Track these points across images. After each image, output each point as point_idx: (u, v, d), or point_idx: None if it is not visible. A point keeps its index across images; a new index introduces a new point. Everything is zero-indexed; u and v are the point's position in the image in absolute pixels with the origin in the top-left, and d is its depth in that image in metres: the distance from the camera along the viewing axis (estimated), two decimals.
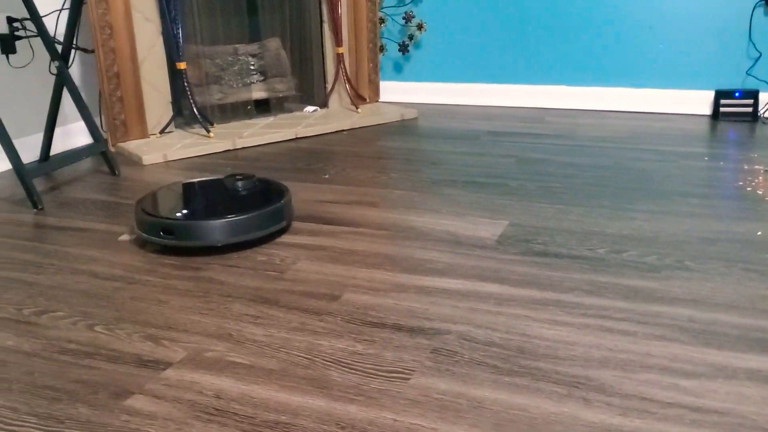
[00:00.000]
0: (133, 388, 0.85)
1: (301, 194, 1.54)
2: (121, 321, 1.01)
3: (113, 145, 1.96)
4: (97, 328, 1.00)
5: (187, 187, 1.43)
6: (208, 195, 1.38)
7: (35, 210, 1.50)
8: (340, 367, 0.88)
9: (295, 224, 1.36)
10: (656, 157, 1.75)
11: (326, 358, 0.90)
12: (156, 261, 1.22)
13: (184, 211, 1.27)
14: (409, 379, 0.84)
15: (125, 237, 1.31)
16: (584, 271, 1.12)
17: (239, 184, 1.38)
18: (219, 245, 1.24)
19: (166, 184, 1.50)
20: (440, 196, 1.49)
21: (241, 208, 1.26)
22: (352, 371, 0.87)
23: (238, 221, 1.24)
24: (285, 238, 1.30)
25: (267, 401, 0.81)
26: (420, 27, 2.50)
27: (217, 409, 0.80)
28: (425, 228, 1.31)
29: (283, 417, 0.78)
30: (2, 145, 1.48)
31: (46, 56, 1.80)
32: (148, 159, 1.85)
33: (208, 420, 0.78)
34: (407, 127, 2.18)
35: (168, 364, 0.90)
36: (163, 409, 0.80)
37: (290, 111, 2.33)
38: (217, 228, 1.23)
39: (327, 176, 1.67)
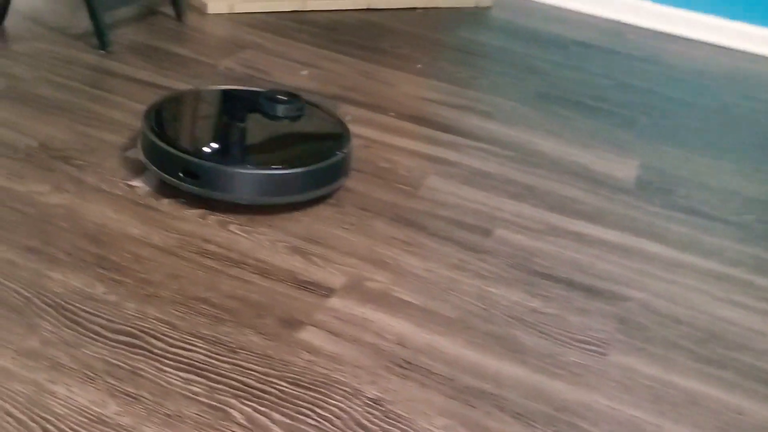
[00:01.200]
0: (302, 316, 0.75)
1: (399, 86, 1.39)
2: (255, 222, 0.89)
3: None
4: (232, 227, 0.87)
5: (213, 100, 1.10)
6: (239, 119, 1.05)
7: (102, 51, 1.30)
8: (524, 326, 0.79)
9: (406, 125, 1.22)
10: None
11: (505, 312, 0.81)
12: None
13: (212, 146, 0.95)
14: (606, 354, 0.77)
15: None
16: (740, 241, 1.04)
17: (282, 108, 1.01)
18: (243, 203, 0.92)
19: (189, 88, 1.16)
20: (556, 117, 1.37)
21: (284, 153, 0.98)
22: (541, 335, 0.78)
23: (278, 177, 0.91)
24: (398, 140, 1.16)
25: (459, 360, 0.73)
26: None
27: (407, 362, 0.71)
28: (554, 156, 1.20)
29: (486, 386, 0.70)
30: None
31: None
32: (213, 7, 1.63)
33: (402, 375, 0.69)
34: (483, 18, 2.00)
35: (330, 290, 0.79)
36: (346, 352, 0.71)
37: None
38: (247, 181, 0.91)
39: (420, 66, 1.51)
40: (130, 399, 0.62)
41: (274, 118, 1.01)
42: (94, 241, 0.80)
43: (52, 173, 0.92)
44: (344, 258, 0.85)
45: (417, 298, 0.81)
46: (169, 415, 0.61)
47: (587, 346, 0.78)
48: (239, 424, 0.61)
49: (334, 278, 0.82)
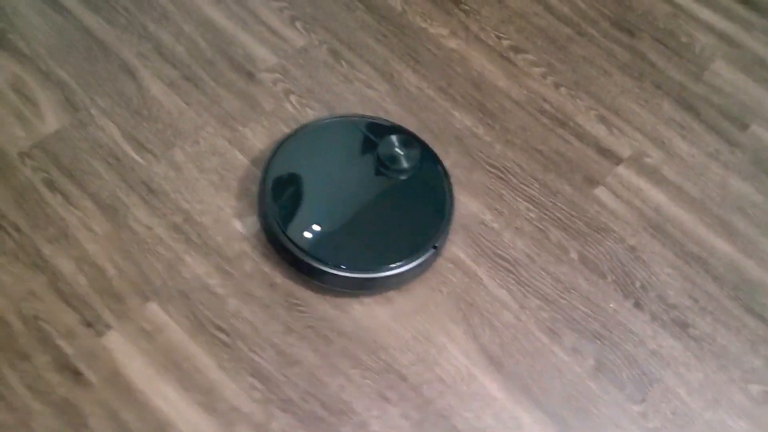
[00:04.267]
0: (598, 176, 1.17)
1: None
2: (576, 87, 1.27)
3: None
4: (562, 90, 1.27)
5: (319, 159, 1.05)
6: (357, 182, 1.04)
7: None
8: (743, 215, 1.17)
9: None
10: None
11: (734, 202, 1.18)
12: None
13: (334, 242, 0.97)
14: None
15: None
16: None
17: (401, 153, 1.05)
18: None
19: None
20: None
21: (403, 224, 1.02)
22: (753, 225, 1.16)
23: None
24: (703, 12, 1.40)
25: (692, 232, 1.14)
26: None
27: (657, 226, 1.14)
28: None
29: (704, 254, 1.12)
30: None
31: None
32: None
33: (651, 235, 1.13)
34: None
35: (619, 159, 1.20)
36: (621, 210, 1.14)
37: None
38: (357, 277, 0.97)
39: None
40: (497, 211, 1.11)
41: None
42: (477, 87, 1.24)
43: (450, 17, 1.32)
44: (634, 132, 1.23)
45: (676, 177, 1.20)
46: (517, 228, 1.11)
47: None
48: (554, 243, 1.10)
49: (624, 149, 1.21)
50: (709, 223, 1.15)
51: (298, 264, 0.95)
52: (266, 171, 1.00)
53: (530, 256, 1.06)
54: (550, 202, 1.13)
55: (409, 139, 1.06)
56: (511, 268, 1.05)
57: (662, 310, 1.04)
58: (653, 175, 1.19)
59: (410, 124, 1.16)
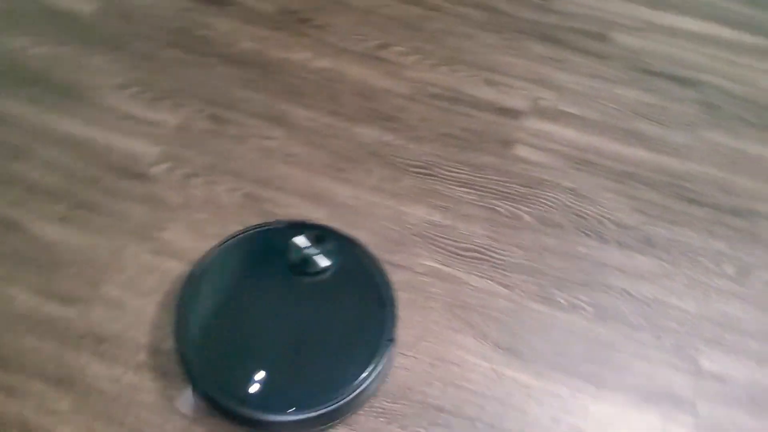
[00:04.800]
0: (510, 137, 1.20)
1: None
2: (451, 60, 1.28)
3: None
4: (441, 69, 1.27)
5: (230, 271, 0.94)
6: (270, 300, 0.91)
7: None
8: (642, 119, 1.24)
9: None
10: None
11: (629, 110, 1.25)
12: None
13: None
14: (696, 132, 1.23)
15: None
16: None
17: (314, 253, 0.93)
18: None
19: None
20: None
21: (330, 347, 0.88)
22: (655, 124, 1.23)
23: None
24: None
25: (610, 153, 1.19)
26: None
27: (581, 160, 1.18)
28: None
29: (629, 168, 1.18)
30: None
31: None
32: None
33: (579, 170, 1.17)
34: None
35: (518, 113, 1.23)
36: (543, 159, 1.18)
37: None
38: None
39: None
40: (441, 207, 1.11)
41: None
42: (365, 97, 1.21)
43: (305, 38, 1.28)
44: (518, 82, 1.26)
45: (573, 108, 1.24)
46: (465, 215, 1.10)
47: (684, 126, 1.23)
48: (506, 216, 1.11)
49: (518, 102, 1.24)
50: (620, 138, 1.21)
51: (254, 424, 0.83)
52: (179, 331, 0.88)
53: (492, 237, 1.07)
54: (482, 177, 1.14)
55: (315, 233, 0.95)
56: (480, 256, 1.05)
57: (623, 234, 1.09)
58: (554, 115, 1.23)
59: (322, 159, 1.12)
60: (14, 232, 1.01)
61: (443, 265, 1.03)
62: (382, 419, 0.90)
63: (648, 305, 1.02)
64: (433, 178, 1.13)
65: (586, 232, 1.09)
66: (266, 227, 0.98)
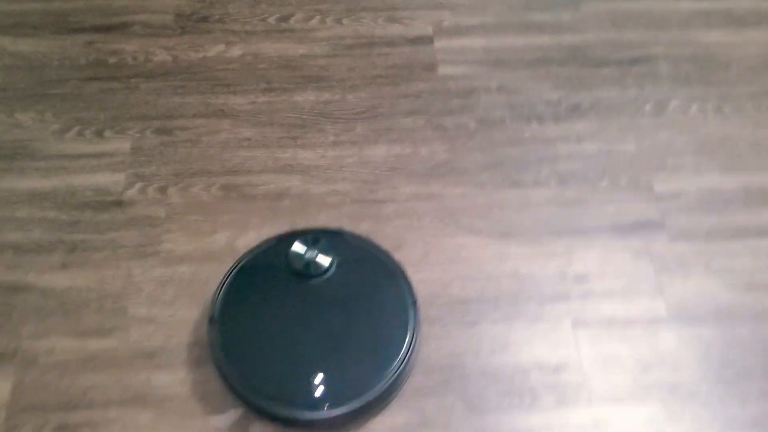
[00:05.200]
0: (430, 61, 1.31)
1: None
2: (348, 11, 1.37)
3: None
4: (344, 21, 1.36)
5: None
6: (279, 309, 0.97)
7: None
8: (533, 10, 1.38)
9: None
10: None
11: (519, 7, 1.38)
12: None
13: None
14: (578, 6, 1.38)
15: None
16: None
17: (313, 255, 0.99)
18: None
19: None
20: None
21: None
22: (541, 10, 1.37)
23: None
24: None
25: (518, 47, 1.32)
26: None
27: (497, 61, 1.31)
28: None
29: (538, 53, 1.31)
30: None
31: None
32: None
33: (498, 68, 1.30)
34: None
35: (429, 38, 1.34)
36: (466, 70, 1.29)
37: None
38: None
39: None
40: (397, 140, 1.21)
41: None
42: (289, 67, 1.29)
43: (212, 34, 1.33)
44: (416, 12, 1.37)
45: (472, 20, 1.36)
46: (421, 140, 1.21)
47: (568, 4, 1.38)
48: (454, 129, 1.22)
49: (424, 29, 1.35)
50: (521, 32, 1.35)
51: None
52: (215, 353, 0.94)
53: (450, 150, 1.18)
54: (421, 103, 1.25)
55: (308, 237, 1.00)
56: (447, 168, 1.16)
57: (554, 109, 1.23)
58: (458, 30, 1.35)
59: (275, 134, 1.19)
60: (24, 293, 1.03)
61: (420, 186, 1.14)
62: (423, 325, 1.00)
63: (596, 158, 1.17)
64: (380, 117, 1.23)
65: (525, 118, 1.22)
66: (260, 248, 1.03)
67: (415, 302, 0.97)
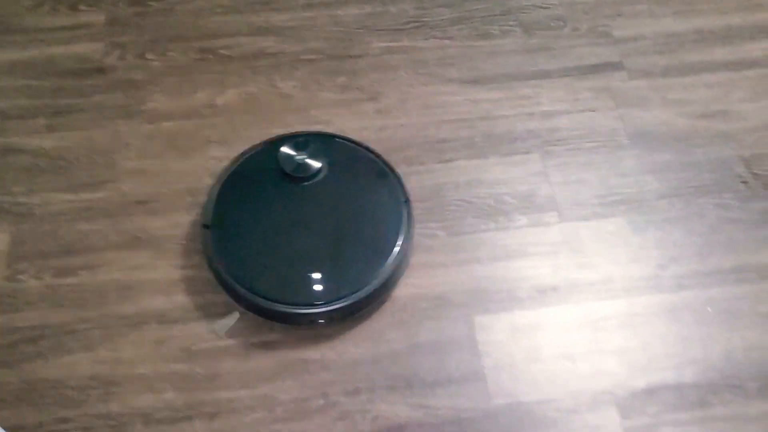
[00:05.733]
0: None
1: None
2: None
3: None
4: None
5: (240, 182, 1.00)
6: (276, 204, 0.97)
7: None
8: None
9: None
10: None
11: None
12: None
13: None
14: None
15: None
16: None
17: (304, 157, 0.98)
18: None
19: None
20: None
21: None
22: None
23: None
24: None
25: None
26: None
27: None
28: None
29: None
30: None
31: None
32: None
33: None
34: None
35: None
36: None
37: None
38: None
39: None
40: (367, 1, 1.24)
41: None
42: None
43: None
44: None
45: None
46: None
47: None
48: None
49: None
50: None
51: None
52: (213, 257, 0.94)
53: (419, 7, 1.22)
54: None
55: (297, 141, 0.99)
56: (419, 23, 1.21)
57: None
58: None
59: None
60: (13, 154, 1.06)
61: (392, 42, 1.18)
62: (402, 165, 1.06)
63: (557, 8, 1.23)
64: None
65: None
66: (252, 151, 1.02)
67: (406, 201, 0.99)
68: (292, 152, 0.97)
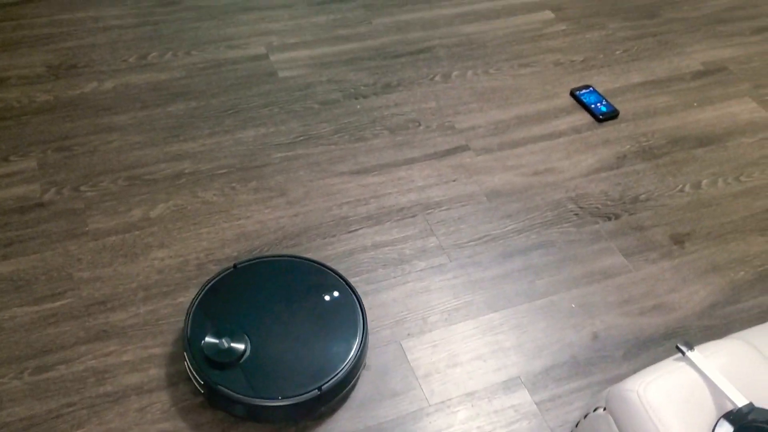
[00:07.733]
0: (270, 70, 1.65)
1: None
2: (195, 46, 1.69)
3: None
4: (194, 53, 1.67)
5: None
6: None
7: None
8: (338, 28, 1.79)
9: None
10: None
11: (327, 29, 1.79)
12: None
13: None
14: (370, 21, 1.82)
15: None
16: None
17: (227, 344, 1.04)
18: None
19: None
20: None
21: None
22: (344, 27, 1.79)
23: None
24: None
25: (333, 53, 1.72)
26: None
27: (322, 63, 1.69)
28: None
29: (351, 55, 1.72)
30: None
31: None
32: None
33: (324, 68, 1.67)
34: None
35: (264, 55, 1.69)
36: (301, 72, 1.65)
37: None
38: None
39: None
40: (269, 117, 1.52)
41: None
42: (156, 90, 1.56)
43: (83, 76, 1.57)
44: (249, 39, 1.72)
45: (294, 39, 1.74)
46: (282, 121, 1.53)
47: (363, 22, 1.81)
48: (312, 106, 1.56)
49: (259, 49, 1.70)
50: (334, 43, 1.74)
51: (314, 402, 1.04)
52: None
53: (304, 126, 1.52)
54: (274, 98, 1.58)
55: (222, 327, 1.06)
56: (306, 138, 1.49)
57: (372, 89, 1.62)
58: (286, 47, 1.71)
59: (160, 134, 1.45)
60: None
61: (288, 151, 1.46)
62: (316, 240, 1.30)
63: (411, 114, 1.57)
64: (242, 111, 1.54)
65: (354, 96, 1.60)
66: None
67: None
68: (215, 340, 1.04)
